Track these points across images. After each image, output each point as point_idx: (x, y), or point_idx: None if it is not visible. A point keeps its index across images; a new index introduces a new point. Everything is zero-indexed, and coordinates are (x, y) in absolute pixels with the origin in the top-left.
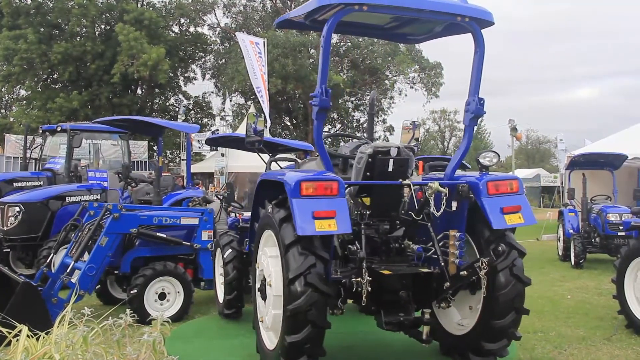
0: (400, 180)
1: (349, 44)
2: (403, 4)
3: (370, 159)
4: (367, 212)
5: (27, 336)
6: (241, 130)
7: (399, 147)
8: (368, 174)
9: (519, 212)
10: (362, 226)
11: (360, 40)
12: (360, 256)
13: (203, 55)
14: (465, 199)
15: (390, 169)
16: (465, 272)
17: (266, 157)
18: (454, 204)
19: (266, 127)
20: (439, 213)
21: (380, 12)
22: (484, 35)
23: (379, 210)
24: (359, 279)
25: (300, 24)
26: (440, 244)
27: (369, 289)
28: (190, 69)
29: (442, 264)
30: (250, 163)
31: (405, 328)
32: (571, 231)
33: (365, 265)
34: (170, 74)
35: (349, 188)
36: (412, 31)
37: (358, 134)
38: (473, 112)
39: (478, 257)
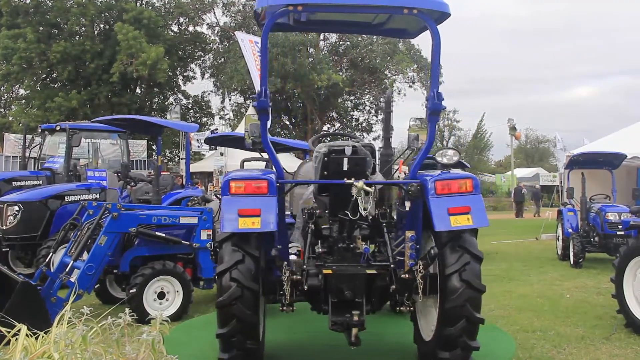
0: (345, 179)
1: (348, 43)
2: (339, 0)
3: (325, 158)
4: (323, 212)
5: (26, 335)
6: (240, 130)
7: (354, 146)
8: (325, 172)
9: (468, 213)
10: (311, 225)
11: (359, 39)
12: (274, 254)
13: (202, 54)
14: (418, 198)
15: (345, 167)
16: (407, 275)
17: (267, 156)
18: (407, 204)
19: None
20: (365, 213)
21: (318, 11)
22: (438, 28)
23: (335, 209)
24: (283, 277)
25: (286, 26)
26: (400, 246)
27: (303, 288)
28: (189, 68)
29: (392, 265)
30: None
31: (348, 329)
32: (570, 230)
33: (285, 263)
34: (169, 73)
35: (312, 187)
36: (402, 26)
37: (357, 133)
38: (430, 107)
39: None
